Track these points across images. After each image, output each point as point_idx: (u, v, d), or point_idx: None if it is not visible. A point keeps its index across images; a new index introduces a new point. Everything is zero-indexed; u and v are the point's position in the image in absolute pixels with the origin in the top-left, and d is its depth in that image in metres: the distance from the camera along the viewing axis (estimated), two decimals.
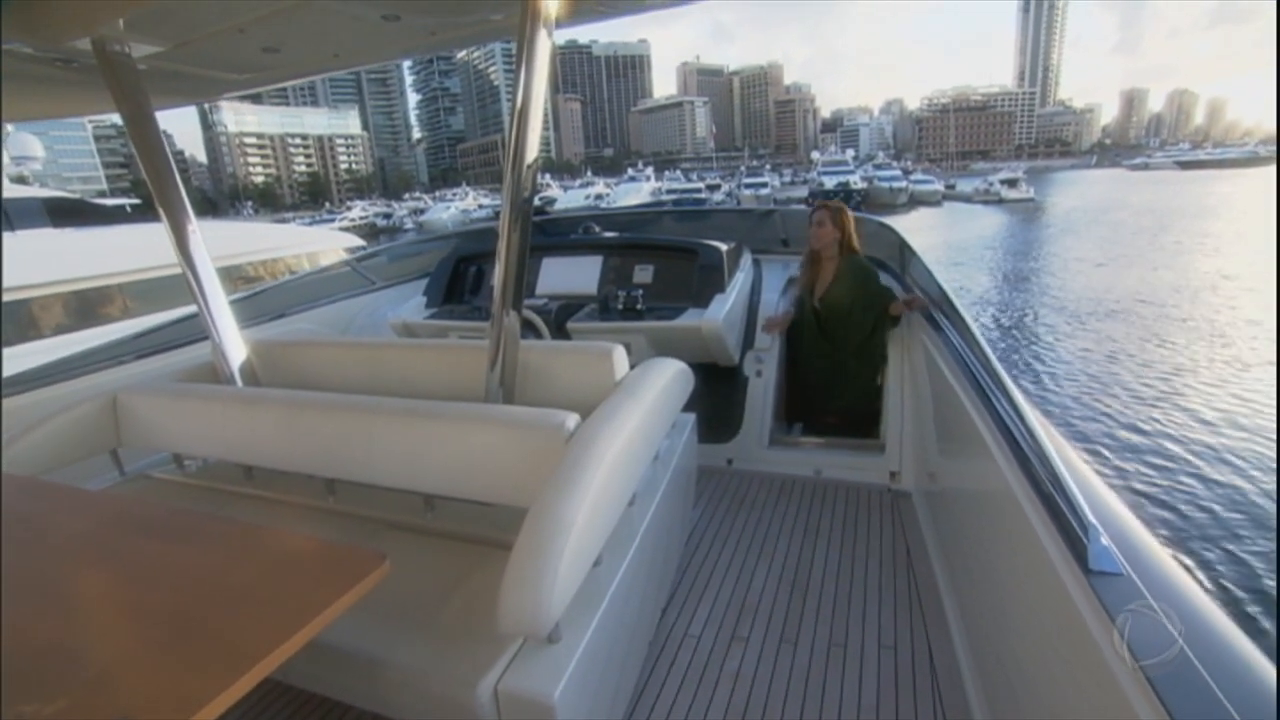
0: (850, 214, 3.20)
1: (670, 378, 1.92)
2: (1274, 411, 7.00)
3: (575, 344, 2.03)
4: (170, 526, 1.33)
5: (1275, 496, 5.32)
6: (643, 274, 3.37)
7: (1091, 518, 1.04)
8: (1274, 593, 4.17)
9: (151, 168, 2.05)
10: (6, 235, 7.17)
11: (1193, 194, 44.79)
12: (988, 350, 1.80)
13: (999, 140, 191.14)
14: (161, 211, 2.08)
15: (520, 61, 1.58)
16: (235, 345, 2.28)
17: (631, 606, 1.66)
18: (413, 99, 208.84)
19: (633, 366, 1.93)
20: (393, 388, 2.05)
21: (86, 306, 7.04)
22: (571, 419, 1.52)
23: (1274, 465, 5.86)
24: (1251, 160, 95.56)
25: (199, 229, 2.15)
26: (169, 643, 0.93)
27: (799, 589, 2.19)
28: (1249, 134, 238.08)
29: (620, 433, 1.49)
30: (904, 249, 3.27)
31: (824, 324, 3.18)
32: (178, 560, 1.19)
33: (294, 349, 2.37)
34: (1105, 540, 1.01)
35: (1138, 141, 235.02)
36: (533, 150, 1.63)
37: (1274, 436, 6.39)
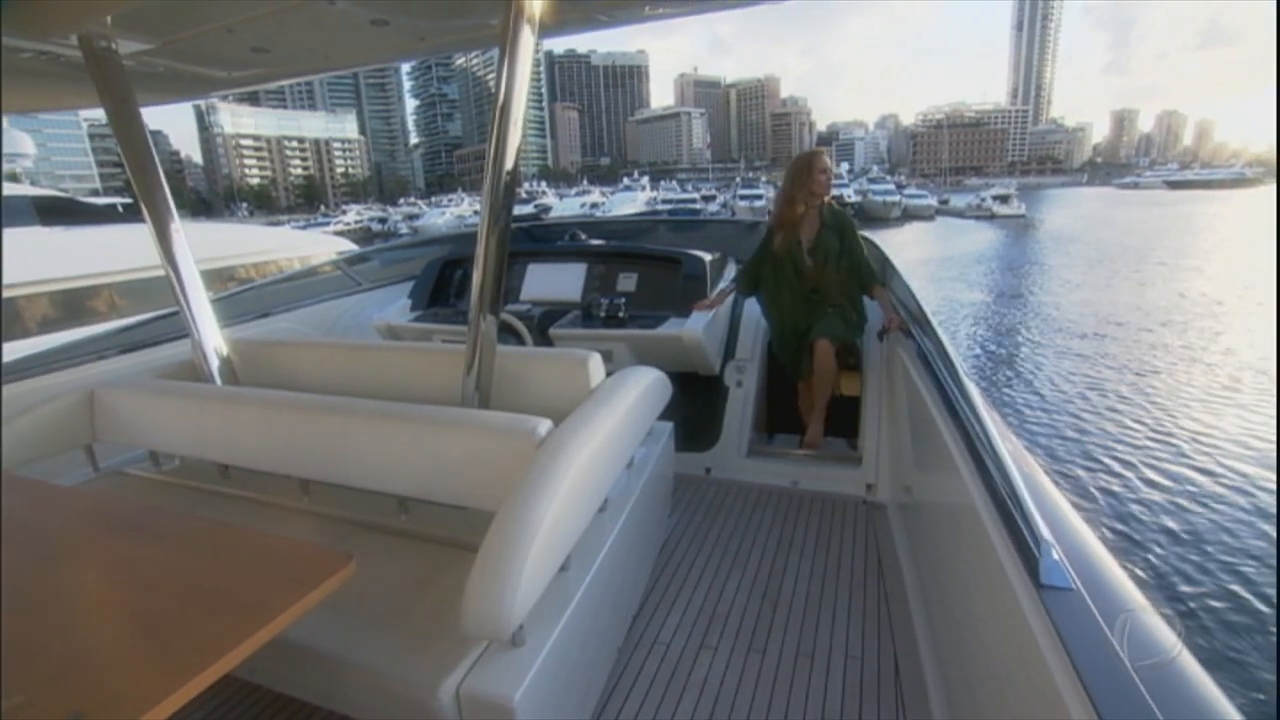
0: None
1: (646, 386, 1.94)
2: (1259, 433, 7.07)
3: (552, 350, 2.05)
4: (140, 524, 1.33)
5: (1275, 511, 5.38)
6: (626, 282, 3.39)
7: (1045, 533, 1.05)
8: (1217, 606, 4.25)
9: (135, 164, 2.06)
10: None
11: (1181, 214, 45.41)
12: (959, 366, 1.83)
13: (992, 157, 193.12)
14: (144, 208, 2.09)
15: (503, 64, 1.59)
16: (215, 343, 2.28)
17: (601, 612, 1.66)
18: (410, 104, 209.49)
19: (613, 374, 1.94)
20: (372, 389, 2.05)
21: (73, 306, 7.00)
22: (543, 425, 1.53)
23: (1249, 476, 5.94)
24: (1239, 181, 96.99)
25: (181, 227, 2.15)
26: (131, 639, 0.94)
27: (770, 599, 2.20)
28: (1235, 155, 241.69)
29: (591, 439, 1.50)
30: (886, 265, 3.31)
31: (812, 277, 3.04)
32: (145, 558, 1.19)
33: (274, 348, 2.37)
34: (1057, 555, 1.02)
35: (1128, 160, 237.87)
36: (514, 153, 1.64)
37: (1273, 464, 6.43)
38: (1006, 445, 1.36)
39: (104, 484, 2.14)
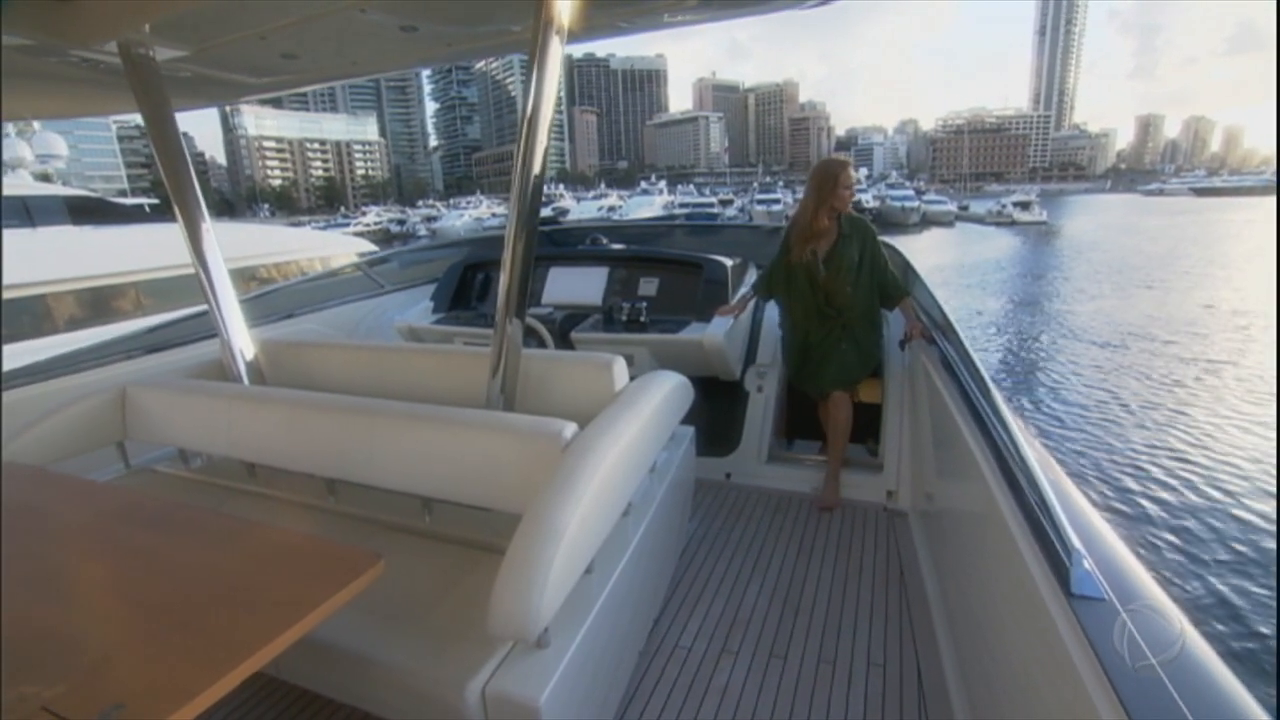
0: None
1: (669, 390, 1.94)
2: (1273, 439, 6.94)
3: (576, 354, 2.06)
4: (171, 520, 1.36)
5: (1275, 523, 5.28)
6: (648, 287, 3.40)
7: (1076, 542, 1.04)
8: (1252, 617, 4.14)
9: (170, 168, 2.10)
10: (28, 232, 7.31)
11: (1208, 221, 44.56)
12: (984, 373, 1.82)
13: (1013, 163, 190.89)
14: (177, 210, 2.13)
15: (532, 71, 1.61)
16: (244, 344, 2.32)
17: (623, 615, 1.67)
18: (430, 107, 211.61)
19: (634, 378, 1.95)
20: (396, 391, 2.08)
21: (101, 303, 7.16)
22: (569, 428, 1.54)
23: (1272, 492, 5.81)
24: (1267, 189, 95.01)
25: (213, 229, 2.19)
26: (165, 634, 0.96)
27: (791, 605, 2.19)
28: (1265, 162, 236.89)
29: (616, 443, 1.51)
30: (908, 271, 3.28)
31: (829, 290, 2.86)
32: (177, 553, 1.21)
33: (301, 349, 2.41)
34: (1088, 565, 1.01)
35: (1153, 167, 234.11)
36: (541, 159, 1.66)
37: (1273, 464, 6.34)
38: (1033, 453, 1.34)
39: (135, 480, 2.18)
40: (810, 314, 2.92)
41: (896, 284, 2.89)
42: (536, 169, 1.65)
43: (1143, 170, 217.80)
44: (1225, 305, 15.28)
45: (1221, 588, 4.52)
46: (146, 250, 7.61)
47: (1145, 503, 5.80)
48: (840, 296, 2.84)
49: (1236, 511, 5.57)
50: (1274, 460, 6.54)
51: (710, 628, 2.08)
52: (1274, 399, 8.24)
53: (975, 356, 1.97)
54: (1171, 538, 5.19)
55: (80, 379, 2.51)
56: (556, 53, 1.60)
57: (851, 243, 2.84)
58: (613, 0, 1.71)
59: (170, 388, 2.16)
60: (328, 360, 2.36)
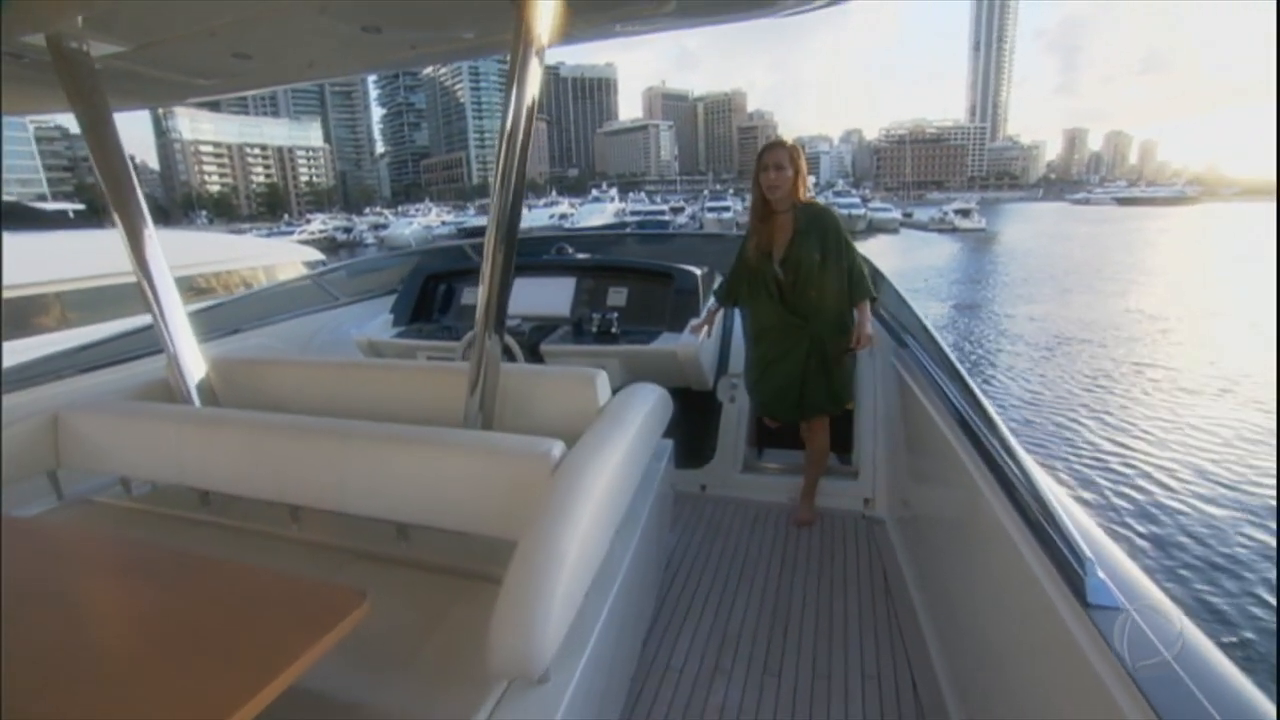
0: (804, 152, 2.58)
1: (653, 404, 1.89)
2: (1263, 446, 7.21)
3: (556, 369, 1.99)
4: (120, 560, 1.23)
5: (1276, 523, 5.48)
6: (616, 297, 3.34)
7: (1086, 551, 1.03)
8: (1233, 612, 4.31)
9: (108, 171, 1.95)
10: None
11: (1130, 229, 47.36)
12: (966, 375, 1.81)
13: (953, 172, 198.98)
14: (117, 217, 1.97)
15: (511, 85, 1.56)
16: (193, 361, 2.15)
17: (622, 641, 1.61)
18: (377, 113, 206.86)
19: (620, 392, 1.89)
20: (362, 410, 1.96)
21: (20, 316, 6.67)
22: (556, 446, 1.47)
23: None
24: (1180, 199, 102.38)
25: (156, 236, 2.04)
26: (123, 695, 0.84)
27: (780, 619, 2.16)
28: (1177, 174, 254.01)
29: (609, 462, 1.45)
30: (875, 275, 3.31)
31: (789, 295, 2.56)
32: (130, 599, 1.09)
33: (256, 367, 2.26)
34: (1102, 574, 1.01)
35: (1079, 177, 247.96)
36: (520, 172, 1.60)
37: (1274, 472, 6.53)
38: (1031, 459, 1.34)
39: (70, 514, 2.00)
40: (773, 325, 2.63)
41: (862, 282, 2.54)
42: (516, 182, 1.59)
43: (1070, 180, 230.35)
44: (1147, 309, 16.20)
45: (1203, 588, 4.68)
46: (72, 259, 7.13)
47: (1114, 499, 6.00)
48: (803, 303, 2.53)
49: (1206, 508, 5.78)
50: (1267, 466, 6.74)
51: (700, 645, 2.03)
52: (1274, 402, 8.58)
53: (954, 356, 1.98)
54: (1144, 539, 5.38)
55: (6, 401, 2.30)
56: (536, 69, 1.56)
57: (809, 238, 2.49)
58: (596, 7, 1.67)
59: (110, 410, 1.98)
60: (286, 378, 2.22)
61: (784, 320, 2.60)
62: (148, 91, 2.20)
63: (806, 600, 2.26)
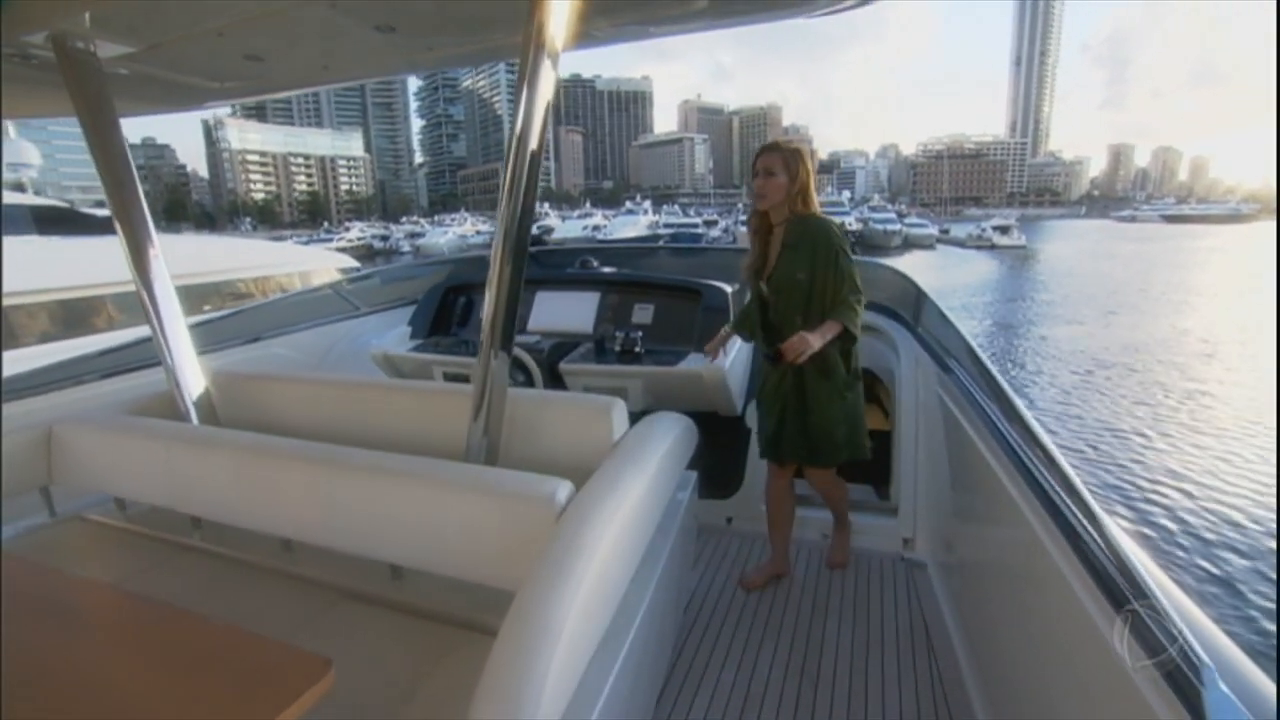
0: (809, 160, 2.21)
1: (676, 437, 1.72)
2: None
3: (570, 395, 1.83)
4: (75, 602, 1.11)
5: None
6: (642, 314, 3.18)
7: (1180, 623, 0.88)
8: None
9: (111, 177, 1.87)
10: None
11: (1179, 248, 45.69)
12: (1020, 406, 1.61)
13: (991, 188, 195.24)
14: (118, 223, 1.90)
15: (521, 90, 1.43)
16: (192, 376, 2.06)
17: (634, 699, 1.43)
18: (416, 124, 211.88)
19: (638, 423, 1.73)
20: (366, 434, 1.84)
21: (72, 317, 6.83)
22: (563, 488, 1.31)
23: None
24: (1234, 217, 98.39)
25: (159, 244, 1.95)
26: None
27: (809, 675, 1.96)
28: (1230, 191, 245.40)
29: (620, 507, 1.29)
30: (919, 296, 3.10)
31: (773, 318, 2.26)
32: (71, 651, 0.97)
33: (259, 383, 2.16)
34: (1216, 672, 0.83)
35: (1124, 194, 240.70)
36: (531, 180, 1.46)
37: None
38: (1101, 507, 1.14)
39: (60, 531, 1.92)
40: (762, 355, 2.33)
41: (843, 308, 2.10)
42: (526, 190, 1.46)
43: (1115, 197, 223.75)
44: (1195, 332, 15.48)
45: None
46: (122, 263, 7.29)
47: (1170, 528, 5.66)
48: (789, 329, 2.14)
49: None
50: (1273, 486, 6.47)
51: (721, 703, 1.85)
52: (1274, 411, 8.22)
53: (1006, 385, 1.77)
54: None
55: (7, 410, 2.24)
56: (549, 74, 1.43)
57: (798, 254, 2.13)
58: (616, 7, 1.53)
59: (105, 426, 1.90)
60: (290, 396, 2.11)
61: (767, 348, 2.27)
62: (157, 95, 2.13)
63: (840, 653, 2.06)
